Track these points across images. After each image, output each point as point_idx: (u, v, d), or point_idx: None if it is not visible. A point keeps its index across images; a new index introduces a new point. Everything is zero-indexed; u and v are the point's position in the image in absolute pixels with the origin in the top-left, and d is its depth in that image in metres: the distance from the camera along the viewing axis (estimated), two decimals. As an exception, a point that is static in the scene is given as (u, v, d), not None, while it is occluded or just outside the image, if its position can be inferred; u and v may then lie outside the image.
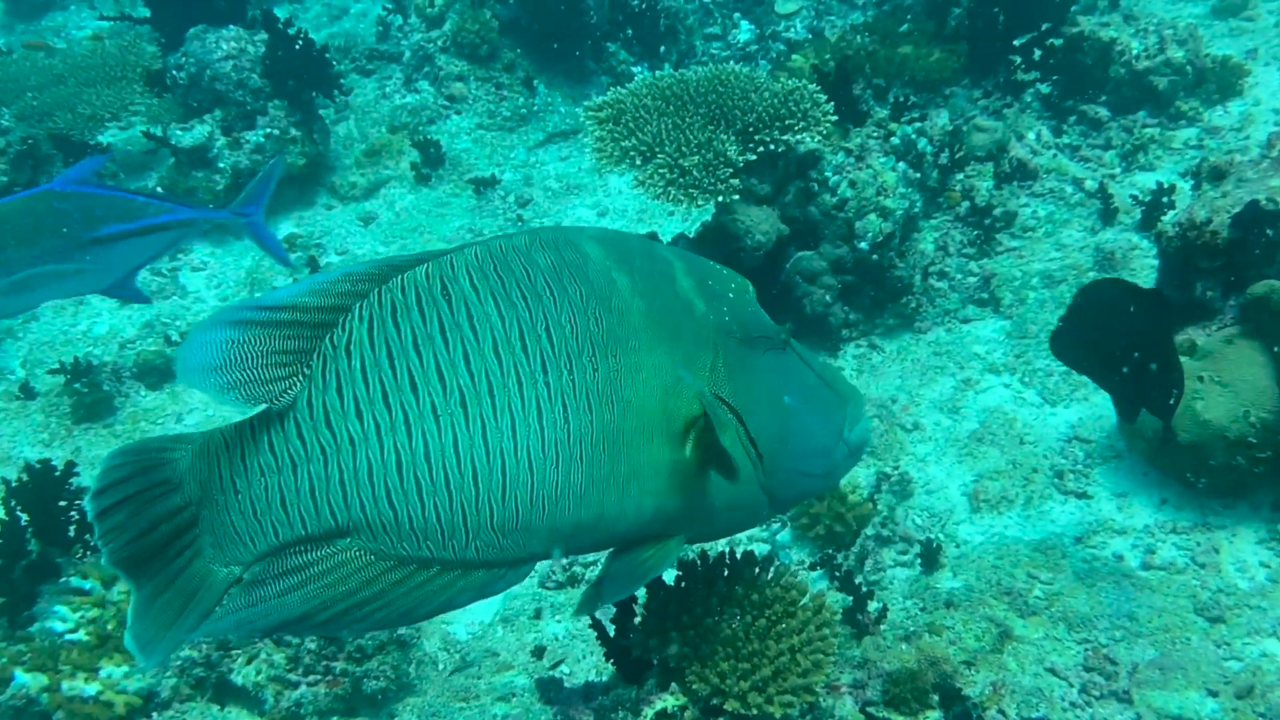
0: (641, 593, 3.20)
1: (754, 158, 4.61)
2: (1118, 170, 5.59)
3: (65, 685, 3.82)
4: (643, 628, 3.07)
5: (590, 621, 3.26)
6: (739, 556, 3.18)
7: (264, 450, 2.14)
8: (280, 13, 7.54)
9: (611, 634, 3.21)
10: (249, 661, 3.90)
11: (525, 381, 2.17)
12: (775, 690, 2.91)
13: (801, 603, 3.08)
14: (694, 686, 2.95)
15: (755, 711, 2.90)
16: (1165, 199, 5.06)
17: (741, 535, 4.32)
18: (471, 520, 2.16)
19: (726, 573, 3.14)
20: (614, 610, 3.22)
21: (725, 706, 2.92)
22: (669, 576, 3.98)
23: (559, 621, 4.26)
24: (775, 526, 4.28)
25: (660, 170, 4.50)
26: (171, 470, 2.15)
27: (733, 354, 2.39)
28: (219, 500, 2.14)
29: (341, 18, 8.93)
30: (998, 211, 5.25)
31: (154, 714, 3.87)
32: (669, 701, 2.99)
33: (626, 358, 2.26)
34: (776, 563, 3.16)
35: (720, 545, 3.85)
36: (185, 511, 2.14)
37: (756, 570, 3.15)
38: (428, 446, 2.13)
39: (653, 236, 5.23)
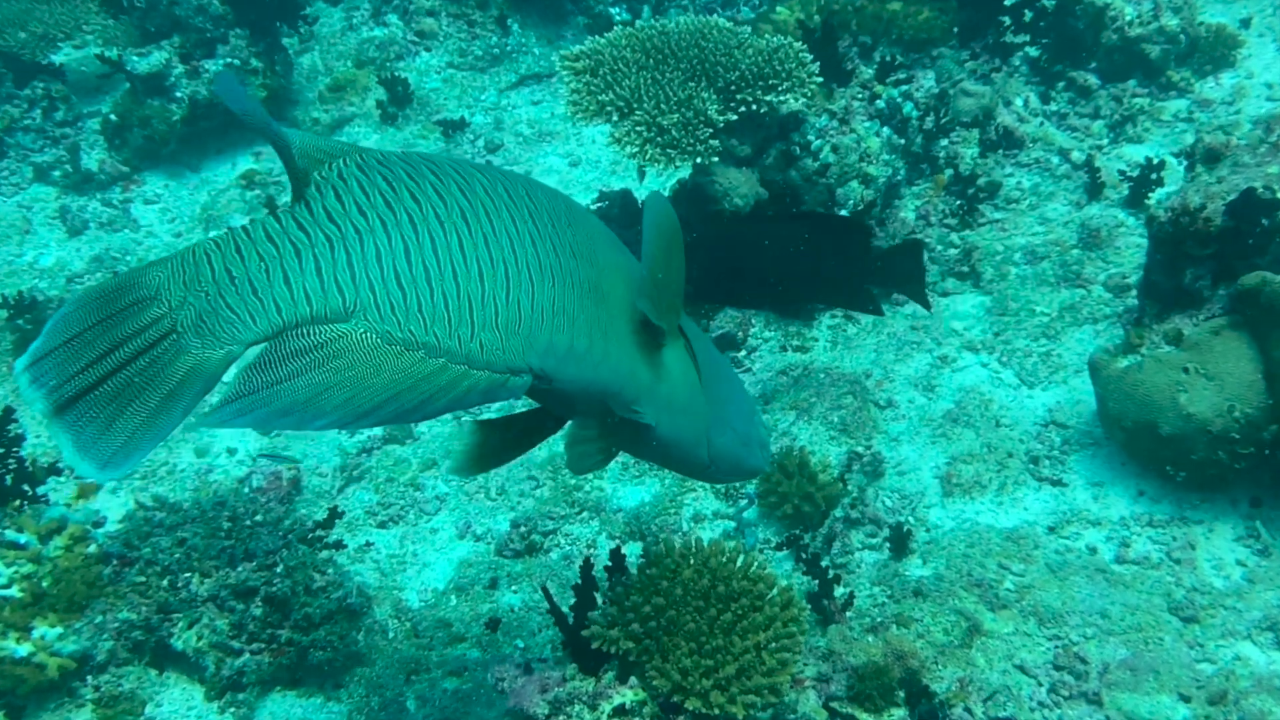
0: (603, 579, 3.08)
1: (735, 118, 4.43)
2: (1105, 142, 5.43)
3: (-5, 644, 3.66)
4: (603, 618, 2.95)
5: (548, 606, 3.14)
6: (706, 545, 3.05)
7: (262, 242, 2.11)
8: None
9: (570, 621, 3.09)
10: (190, 626, 3.75)
11: (517, 219, 2.27)
12: (739, 689, 2.79)
13: (770, 596, 2.96)
14: (654, 682, 2.83)
15: (717, 711, 2.78)
16: (1154, 175, 4.92)
17: (707, 510, 4.21)
18: (478, 314, 2.18)
19: (692, 560, 3.02)
20: (574, 598, 3.10)
21: (686, 705, 2.80)
22: (632, 554, 3.85)
23: (515, 592, 4.13)
24: (742, 503, 4.15)
25: (638, 128, 4.30)
26: (145, 288, 2.08)
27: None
28: (210, 291, 2.08)
29: (309, -58, 8.59)
30: (981, 181, 5.09)
31: (89, 677, 3.72)
32: (628, 696, 2.87)
33: (596, 241, 2.43)
34: (745, 553, 3.04)
35: (684, 525, 3.71)
36: (163, 320, 2.06)
37: (724, 559, 3.03)
38: (434, 242, 2.16)
39: (627, 193, 5.05)
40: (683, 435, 2.61)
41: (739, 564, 3.00)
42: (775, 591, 2.96)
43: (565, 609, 3.08)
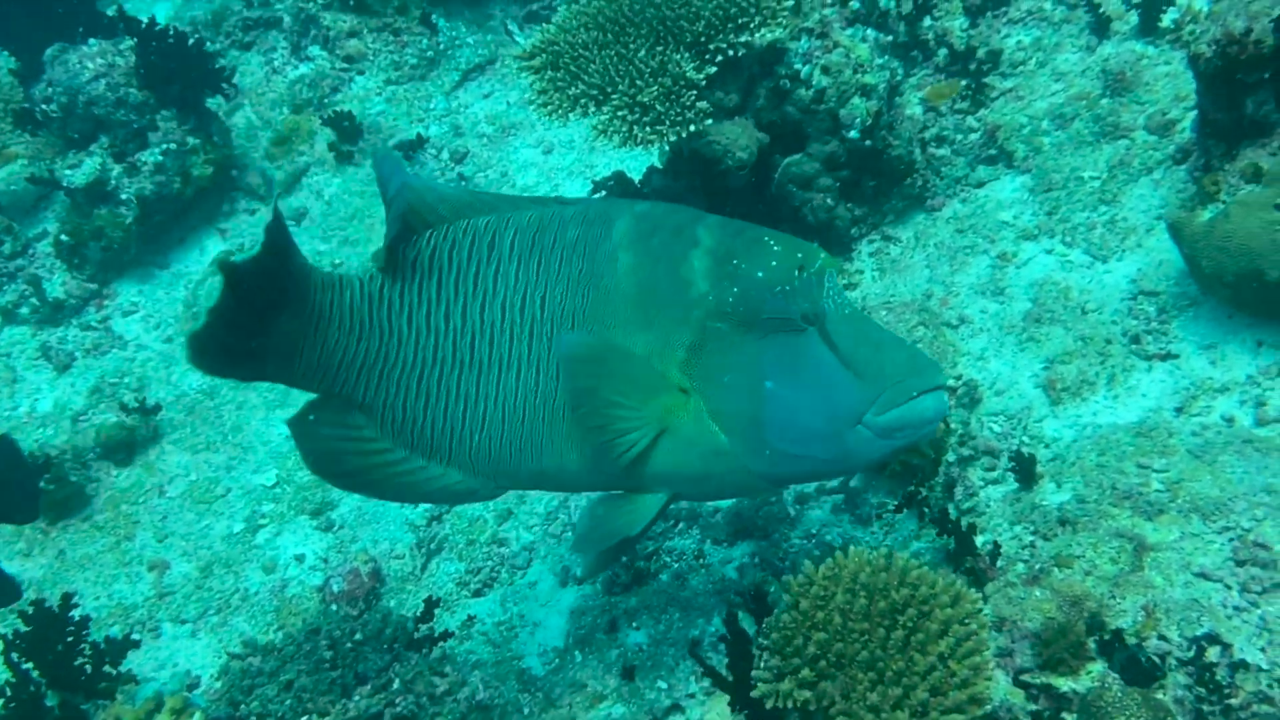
0: (751, 627, 2.83)
1: (714, 70, 4.08)
2: (1090, -30, 5.05)
3: None
4: (767, 671, 2.70)
5: (697, 665, 2.90)
6: (849, 559, 2.79)
7: (356, 310, 2.71)
8: (131, 7, 6.74)
9: (729, 678, 2.84)
10: (325, 772, 3.51)
11: (516, 340, 2.63)
12: (939, 713, 2.54)
13: (936, 597, 2.70)
14: (846, 728, 2.59)
15: (922, 742, 2.54)
16: (1159, -4, 4.56)
17: (809, 487, 3.93)
18: (454, 445, 2.72)
19: (841, 582, 2.76)
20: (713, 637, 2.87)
21: (887, 744, 2.56)
22: (743, 552, 3.62)
23: (637, 629, 3.88)
24: (845, 474, 3.88)
25: (619, 113, 3.96)
26: (306, 281, 2.68)
27: (719, 336, 2.58)
28: (321, 338, 2.70)
29: (199, -9, 8.11)
30: (981, 53, 4.74)
31: None
32: (821, 750, 2.63)
33: (603, 333, 2.60)
34: (890, 554, 2.78)
35: (789, 510, 3.40)
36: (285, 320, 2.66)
37: (872, 570, 2.77)
38: (442, 373, 2.67)
39: (620, 175, 4.72)
40: (721, 493, 2.97)
41: (891, 570, 2.74)
42: (939, 589, 2.70)
43: (705, 646, 2.84)
